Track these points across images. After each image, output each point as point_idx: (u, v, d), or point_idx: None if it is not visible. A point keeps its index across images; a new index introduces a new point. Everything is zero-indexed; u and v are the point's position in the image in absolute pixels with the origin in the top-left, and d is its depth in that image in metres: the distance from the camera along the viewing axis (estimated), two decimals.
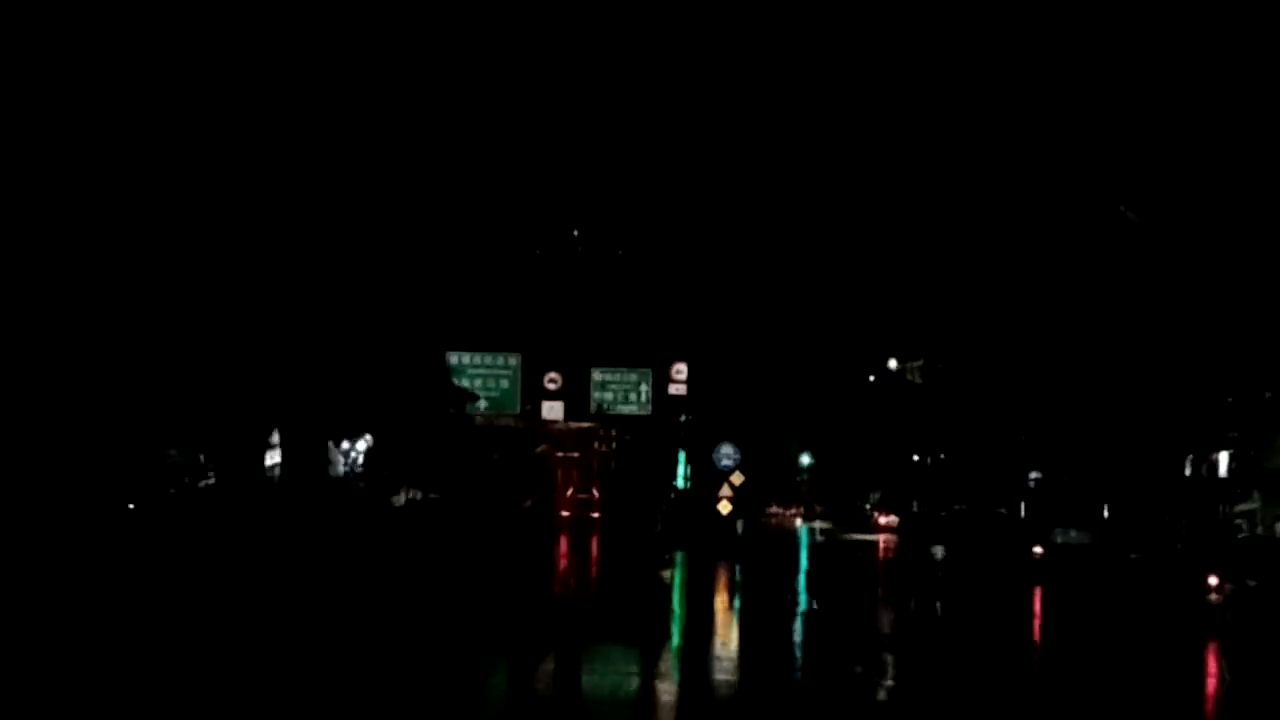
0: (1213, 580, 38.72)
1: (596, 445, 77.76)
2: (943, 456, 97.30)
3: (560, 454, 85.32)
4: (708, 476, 60.94)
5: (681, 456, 68.77)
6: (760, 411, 69.48)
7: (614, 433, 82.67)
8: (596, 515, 75.06)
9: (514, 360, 69.57)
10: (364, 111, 42.14)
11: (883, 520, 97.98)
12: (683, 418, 66.50)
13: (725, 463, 52.73)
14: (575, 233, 73.70)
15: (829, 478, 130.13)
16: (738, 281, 72.21)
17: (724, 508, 53.01)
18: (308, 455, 44.73)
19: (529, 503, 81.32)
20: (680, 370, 68.47)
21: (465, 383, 69.26)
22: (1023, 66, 62.09)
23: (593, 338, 69.97)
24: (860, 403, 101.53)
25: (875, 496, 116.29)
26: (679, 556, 52.57)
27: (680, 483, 69.83)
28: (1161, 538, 52.95)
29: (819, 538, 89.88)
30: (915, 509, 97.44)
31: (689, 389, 67.49)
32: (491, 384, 69.68)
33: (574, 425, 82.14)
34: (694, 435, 66.40)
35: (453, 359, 69.25)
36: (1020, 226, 68.28)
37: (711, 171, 71.02)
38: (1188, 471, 58.51)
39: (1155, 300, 59.57)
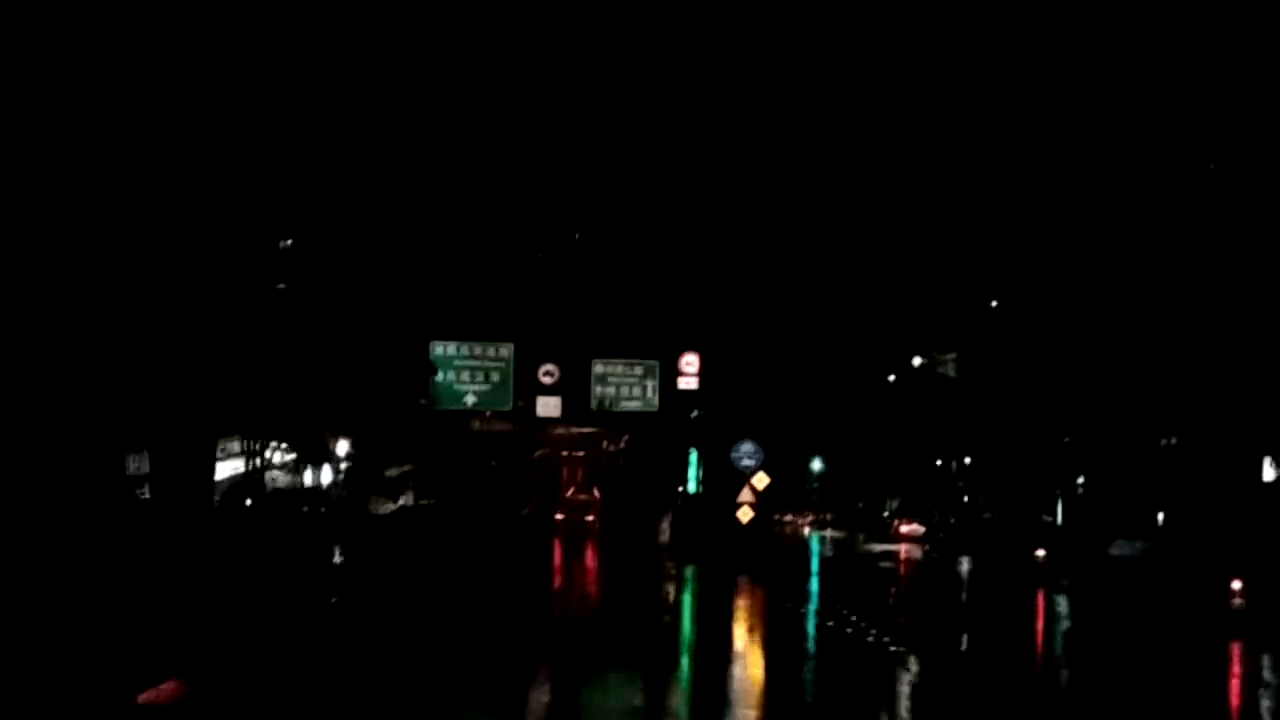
0: None
1: (601, 446, 71.02)
2: (968, 461, 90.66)
3: (564, 453, 78.64)
4: (723, 479, 54.20)
5: (693, 457, 61.84)
6: (775, 410, 62.55)
7: (613, 446, 76.16)
8: (598, 522, 68.20)
9: (506, 351, 62.61)
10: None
11: (904, 529, 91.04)
12: (694, 414, 59.59)
13: (746, 463, 45.81)
14: (576, 236, 67.12)
15: (842, 483, 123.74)
16: (753, 266, 65.34)
17: (744, 515, 46.12)
18: (187, 461, 38.11)
19: (526, 510, 74.21)
20: (691, 362, 61.45)
21: (450, 376, 62.36)
22: (1075, 38, 56.99)
23: (594, 326, 63.01)
24: (879, 403, 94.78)
25: (893, 503, 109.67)
26: (689, 570, 45.81)
27: (691, 486, 62.83)
28: (1232, 552, 45.96)
29: (836, 549, 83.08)
30: (939, 517, 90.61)
31: (701, 383, 60.45)
32: (480, 377, 62.71)
33: (575, 430, 75.34)
34: (707, 433, 59.45)
35: (436, 349, 62.41)
36: (1068, 203, 61.72)
37: (725, 157, 64.88)
38: (1269, 475, 51.55)
39: (1225, 282, 52.82)
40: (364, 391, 57.92)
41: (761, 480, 46.61)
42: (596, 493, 74.44)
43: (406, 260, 61.13)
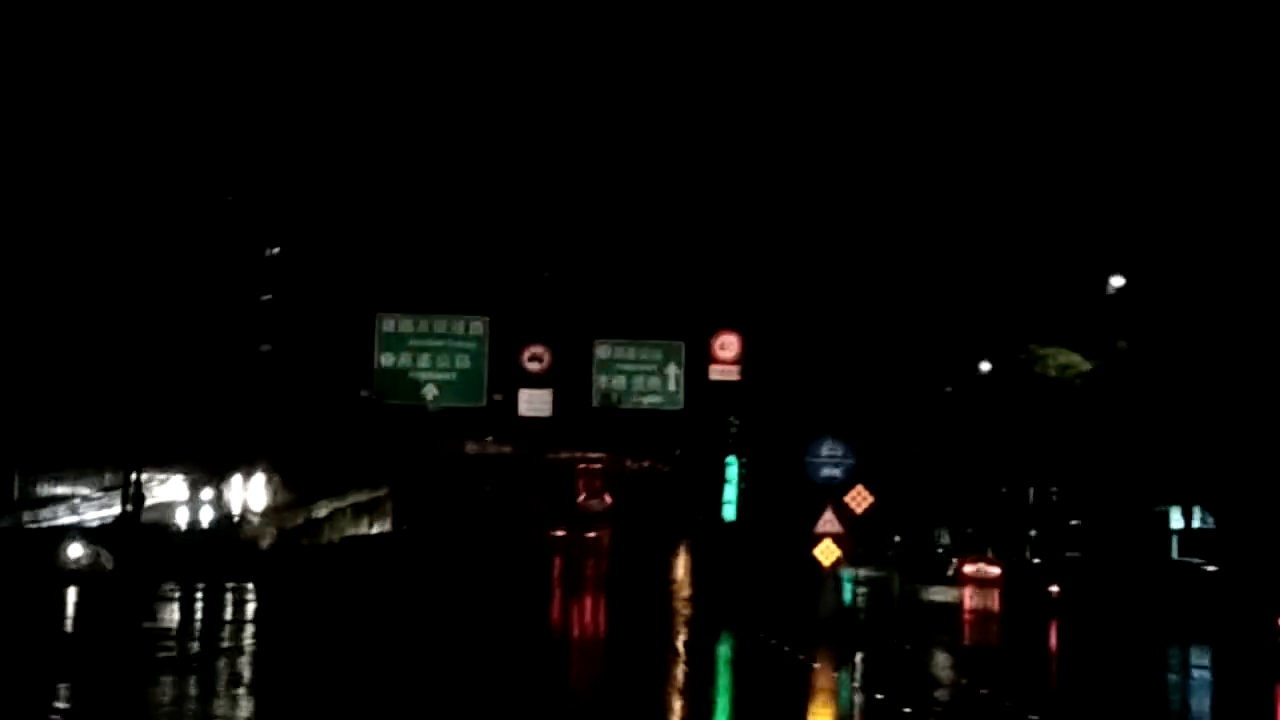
0: None
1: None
2: (1053, 490, 74.77)
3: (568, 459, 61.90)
4: (775, 501, 37.90)
5: (731, 471, 45.73)
6: (840, 405, 46.41)
7: (636, 466, 59.40)
8: (604, 563, 51.55)
9: (478, 327, 46.53)
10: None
11: (969, 570, 74.67)
12: (733, 420, 43.78)
13: (829, 473, 29.38)
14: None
15: (876, 510, 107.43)
16: (805, 222, 49.17)
17: (826, 554, 29.63)
18: None
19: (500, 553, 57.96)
20: (728, 344, 45.27)
21: (404, 361, 46.28)
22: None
23: (596, 297, 46.92)
24: (932, 414, 78.77)
25: (943, 535, 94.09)
26: (724, 645, 29.03)
27: (728, 511, 46.55)
28: None
29: (880, 595, 65.88)
30: (1024, 557, 74.29)
31: (744, 370, 44.29)
32: (444, 363, 46.67)
33: (583, 459, 58.68)
34: (752, 436, 43.41)
35: (387, 325, 46.38)
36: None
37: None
38: None
39: None
40: (276, 388, 42.53)
41: (861, 500, 30.02)
42: (602, 529, 58.81)
43: (344, 213, 45.64)
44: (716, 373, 45.11)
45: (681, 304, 46.39)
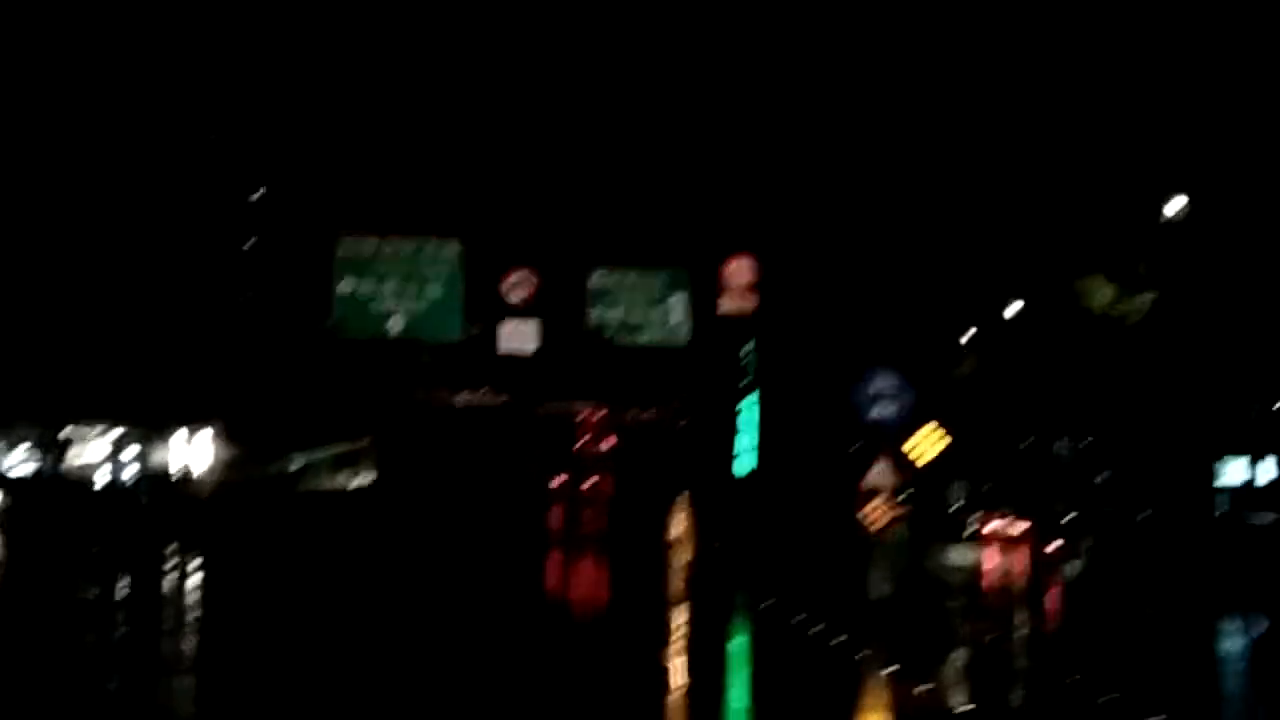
0: None
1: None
2: (1083, 441, 68.86)
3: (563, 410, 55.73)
4: (799, 451, 31.83)
5: (749, 414, 39.62)
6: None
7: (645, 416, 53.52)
8: (599, 521, 45.43)
9: (451, 251, 40.24)
10: None
11: (991, 527, 68.77)
12: (748, 346, 37.62)
13: (883, 412, 23.07)
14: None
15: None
16: (828, 131, 42.58)
17: (878, 513, 23.31)
18: None
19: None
20: (740, 268, 38.99)
21: (368, 288, 40.08)
22: None
23: (589, 217, 40.57)
24: (950, 360, 72.76)
25: (959, 490, 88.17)
26: (739, 636, 22.73)
27: (744, 462, 40.38)
28: None
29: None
30: (1057, 510, 68.43)
31: (761, 299, 38.04)
32: (413, 291, 40.37)
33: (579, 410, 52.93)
34: (772, 376, 37.29)
35: (346, 247, 40.16)
36: None
37: None
38: None
39: None
40: (235, 330, 36.70)
41: (927, 443, 23.59)
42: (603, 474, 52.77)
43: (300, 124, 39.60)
44: (728, 304, 38.91)
45: (687, 224, 40.10)
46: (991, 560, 53.41)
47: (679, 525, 43.34)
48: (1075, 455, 72.68)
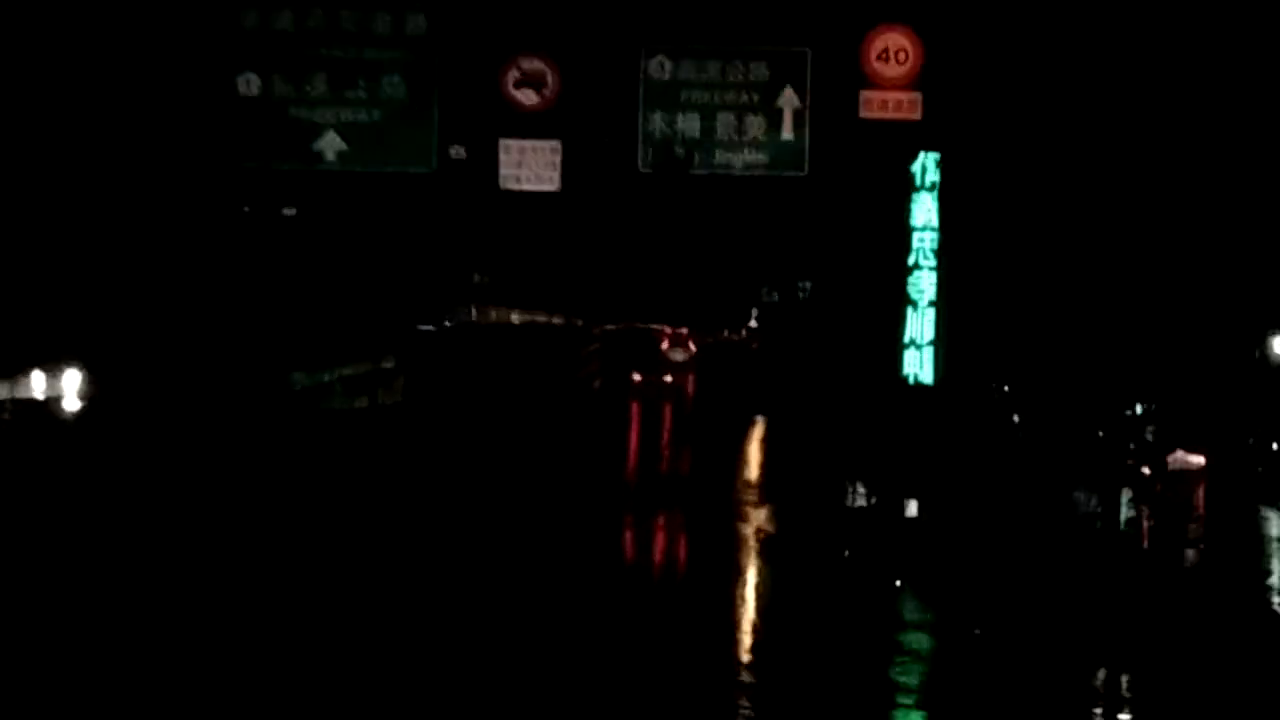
0: None
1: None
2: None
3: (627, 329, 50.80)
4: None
5: (924, 276, 24.16)
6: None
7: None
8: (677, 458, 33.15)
9: (418, 25, 24.81)
10: None
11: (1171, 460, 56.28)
12: (919, 161, 22.41)
13: None
14: None
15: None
16: None
17: None
18: None
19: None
20: (894, 49, 23.43)
21: (286, 89, 24.89)
22: None
23: None
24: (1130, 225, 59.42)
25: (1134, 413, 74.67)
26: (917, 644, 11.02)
27: (917, 363, 24.72)
28: None
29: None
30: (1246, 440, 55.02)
31: (925, 99, 22.67)
32: (359, 96, 25.08)
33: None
34: (955, 232, 22.17)
35: (250, 18, 24.92)
36: None
37: None
38: None
39: None
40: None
41: None
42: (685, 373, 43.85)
43: None
44: (876, 105, 23.21)
45: None
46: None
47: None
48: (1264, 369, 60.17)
